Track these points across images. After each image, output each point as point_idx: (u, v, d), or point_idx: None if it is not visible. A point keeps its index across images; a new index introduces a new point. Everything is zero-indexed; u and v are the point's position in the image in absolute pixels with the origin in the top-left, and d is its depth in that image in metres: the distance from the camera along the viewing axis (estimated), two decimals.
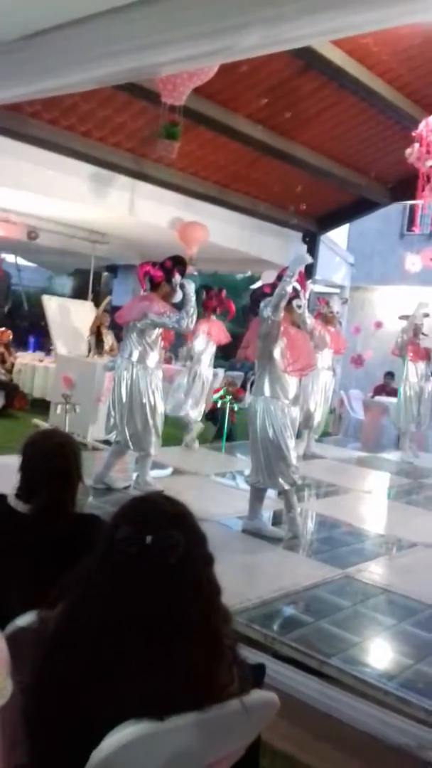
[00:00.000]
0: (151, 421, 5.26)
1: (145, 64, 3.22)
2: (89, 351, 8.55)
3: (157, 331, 5.27)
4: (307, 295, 4.99)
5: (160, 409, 5.36)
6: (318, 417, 7.38)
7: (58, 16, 3.18)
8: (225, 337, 7.55)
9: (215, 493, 6.05)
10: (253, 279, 13.77)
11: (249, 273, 12.03)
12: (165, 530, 1.33)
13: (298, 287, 4.55)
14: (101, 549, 1.39)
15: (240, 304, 17.64)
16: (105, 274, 12.52)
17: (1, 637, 1.74)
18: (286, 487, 4.56)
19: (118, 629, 1.29)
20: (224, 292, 7.54)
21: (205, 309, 7.29)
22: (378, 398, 9.96)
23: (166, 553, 1.31)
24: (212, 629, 1.35)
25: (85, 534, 1.87)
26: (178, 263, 5.28)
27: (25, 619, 1.74)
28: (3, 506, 2.07)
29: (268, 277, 8.84)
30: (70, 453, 2.13)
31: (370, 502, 6.33)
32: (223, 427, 8.15)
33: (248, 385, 10.48)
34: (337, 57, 5.63)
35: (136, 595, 1.30)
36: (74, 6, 3.07)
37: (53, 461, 2.08)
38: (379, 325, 9.55)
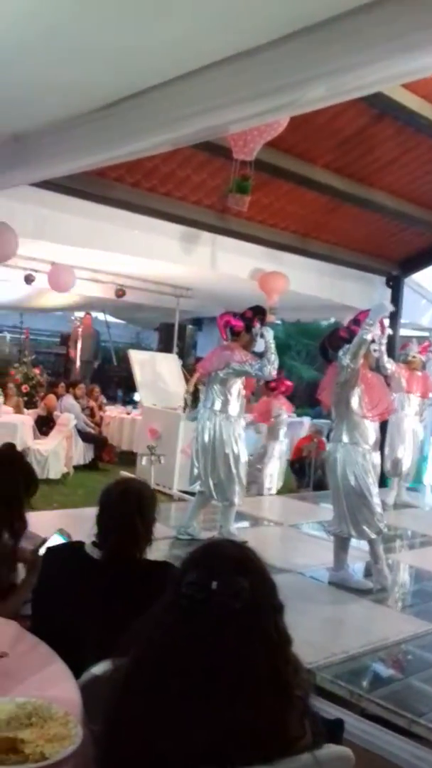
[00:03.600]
0: (234, 471, 5.25)
1: (215, 124, 3.36)
2: (185, 408, 8.67)
3: (240, 380, 5.30)
4: (385, 339, 4.92)
5: (244, 458, 5.35)
6: (407, 464, 7.14)
7: (133, 86, 3.40)
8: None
9: (299, 543, 5.93)
10: (337, 325, 13.67)
11: (333, 319, 11.93)
12: (230, 576, 1.32)
13: (378, 330, 4.49)
14: (170, 594, 1.39)
15: None
16: (189, 327, 12.80)
17: (74, 685, 1.77)
18: (372, 536, 4.42)
19: (186, 676, 1.27)
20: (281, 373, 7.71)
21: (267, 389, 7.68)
22: None
23: (231, 598, 1.30)
24: (281, 679, 1.30)
25: (158, 580, 1.94)
26: (257, 312, 5.35)
27: (100, 668, 1.77)
28: (80, 553, 2.13)
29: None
30: (135, 501, 2.17)
31: None
32: (309, 476, 8.03)
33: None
34: (412, 101, 5.63)
35: (202, 642, 1.28)
36: (146, 76, 3.27)
37: (118, 509, 2.15)
38: None
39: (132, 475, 7.97)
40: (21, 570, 2.71)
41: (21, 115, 3.94)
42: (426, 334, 10.23)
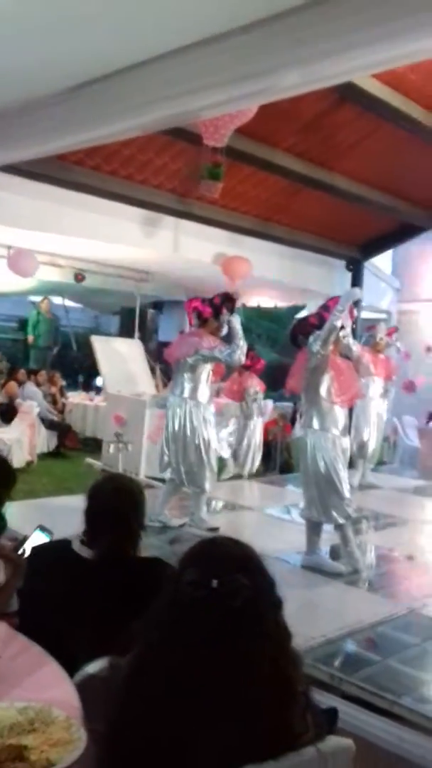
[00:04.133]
0: (205, 457, 5.26)
1: (187, 109, 3.29)
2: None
3: (208, 366, 5.29)
4: (353, 323, 4.97)
5: (214, 444, 5.36)
6: (372, 446, 7.27)
7: (101, 67, 3.27)
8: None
9: (270, 528, 5.98)
10: (297, 309, 13.75)
11: (293, 303, 12.00)
12: (231, 574, 1.32)
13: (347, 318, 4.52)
14: (169, 593, 1.38)
15: (284, 335, 17.71)
16: (151, 311, 12.68)
17: (71, 686, 1.75)
18: (341, 521, 4.48)
19: (189, 676, 1.27)
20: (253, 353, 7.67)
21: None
22: None
23: (232, 597, 1.30)
24: (283, 675, 1.31)
25: (150, 578, 1.89)
26: (226, 300, 5.33)
27: (95, 666, 1.76)
28: (68, 552, 2.09)
29: (314, 306, 8.85)
30: (128, 498, 2.15)
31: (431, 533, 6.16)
32: (275, 459, 8.11)
33: (298, 416, 10.45)
34: (373, 87, 5.65)
35: (204, 641, 1.28)
36: (115, 57, 3.17)
37: (110, 506, 2.11)
38: (429, 349, 9.42)
39: (98, 462, 7.93)
40: (1, 568, 2.67)
41: None
42: (384, 316, 10.39)
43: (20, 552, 2.36)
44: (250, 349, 7.32)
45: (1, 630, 2.00)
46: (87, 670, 1.76)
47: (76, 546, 2.09)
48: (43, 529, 2.41)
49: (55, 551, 2.16)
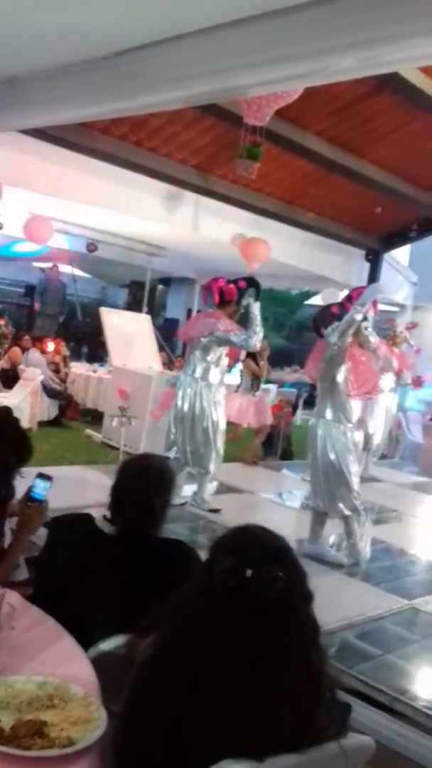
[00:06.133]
0: (212, 439, 5.22)
1: (235, 84, 3.18)
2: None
3: (222, 348, 5.24)
4: (375, 315, 4.92)
5: (222, 426, 5.32)
6: (377, 439, 7.25)
7: (148, 35, 3.17)
8: None
9: (270, 513, 5.97)
10: (307, 295, 13.68)
11: (305, 288, 11.91)
12: (266, 564, 1.31)
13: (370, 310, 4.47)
14: (200, 579, 1.37)
15: (292, 320, 17.62)
16: (159, 286, 12.62)
17: (87, 662, 1.73)
18: (347, 513, 4.46)
19: (217, 663, 1.27)
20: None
21: None
22: None
23: (266, 587, 1.29)
24: (313, 668, 1.32)
25: (171, 559, 1.96)
26: (252, 284, 5.26)
27: (110, 644, 1.76)
28: (90, 526, 2.09)
29: (329, 296, 8.77)
30: (152, 477, 2.13)
31: (430, 530, 6.15)
32: (276, 445, 8.09)
33: (300, 403, 10.40)
34: (413, 76, 5.54)
35: (235, 629, 1.27)
36: (162, 26, 3.06)
37: (133, 484, 2.11)
38: None
39: (98, 435, 7.90)
40: (8, 535, 2.62)
41: (18, 58, 3.69)
42: (398, 309, 10.34)
43: (26, 505, 2.30)
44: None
45: (13, 600, 1.95)
46: (101, 647, 1.76)
47: (99, 521, 2.09)
48: (42, 476, 2.30)
49: (77, 523, 2.15)
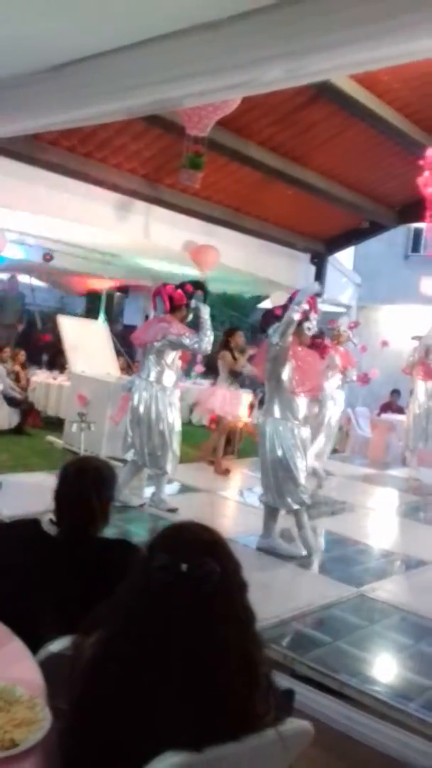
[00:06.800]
0: (168, 440, 5.38)
1: (171, 96, 3.27)
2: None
3: (175, 351, 5.41)
4: (317, 316, 5.13)
5: (178, 428, 5.48)
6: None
7: (85, 49, 3.24)
8: None
9: (227, 510, 6.17)
10: (259, 298, 13.93)
11: (257, 293, 12.15)
12: (200, 558, 1.35)
13: (308, 308, 4.68)
14: (137, 577, 1.41)
15: (247, 323, 17.88)
16: (117, 294, 12.71)
17: (34, 664, 1.73)
18: (295, 507, 4.65)
19: (156, 658, 1.30)
20: None
21: None
22: (384, 416, 10.10)
23: (201, 581, 1.32)
24: (249, 657, 1.35)
25: (115, 559, 1.95)
26: (198, 287, 5.44)
27: (58, 645, 1.78)
28: (36, 530, 2.11)
29: (278, 299, 9.01)
30: (91, 478, 2.15)
31: (380, 520, 6.41)
32: (234, 444, 8.26)
33: (257, 403, 10.58)
34: (348, 85, 5.82)
35: (173, 624, 1.31)
36: (102, 39, 3.13)
37: (73, 486, 2.13)
38: (385, 343, 9.71)
39: (59, 441, 7.99)
40: None
41: None
42: (344, 310, 10.62)
43: None
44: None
45: None
46: (50, 649, 1.77)
47: (46, 525, 2.10)
48: None
49: (23, 528, 2.15)
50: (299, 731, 1.43)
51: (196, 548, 1.37)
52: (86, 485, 2.12)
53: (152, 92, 3.29)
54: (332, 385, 6.95)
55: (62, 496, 2.12)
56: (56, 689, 1.53)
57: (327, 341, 6.61)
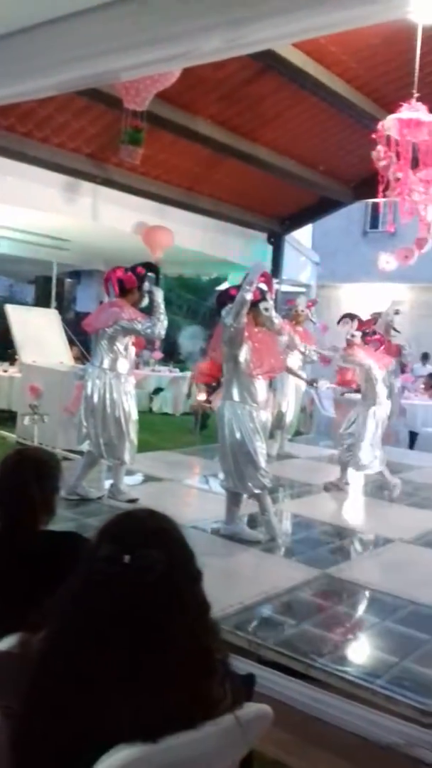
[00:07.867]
0: (125, 429, 5.21)
1: (105, 69, 3.15)
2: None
3: (128, 337, 5.22)
4: (273, 296, 5.00)
5: (134, 416, 5.32)
6: (290, 417, 7.41)
7: (12, 22, 3.09)
8: None
9: (190, 498, 6.04)
10: (218, 281, 13.78)
11: (215, 275, 11.99)
12: (144, 549, 1.30)
13: (265, 288, 4.54)
14: (83, 569, 1.36)
15: (205, 306, 17.77)
16: (68, 280, 12.39)
17: None
18: (256, 491, 4.55)
19: (105, 652, 1.26)
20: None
21: None
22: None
23: (144, 572, 1.28)
24: (202, 646, 1.32)
25: (62, 552, 1.86)
26: (150, 270, 5.24)
27: (6, 643, 1.68)
28: None
29: (236, 279, 8.87)
30: (31, 469, 2.07)
31: (345, 500, 6.35)
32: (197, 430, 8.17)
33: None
34: (297, 58, 5.64)
35: (119, 617, 1.27)
36: (29, 12, 2.99)
37: (11, 478, 2.06)
38: (325, 328, 9.64)
39: (11, 435, 7.74)
40: None
41: None
42: (303, 289, 10.55)
43: None
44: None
45: None
46: None
47: None
48: None
49: None
50: (258, 714, 1.42)
51: (141, 538, 1.33)
52: (25, 476, 2.04)
53: (86, 66, 3.15)
54: (293, 364, 6.86)
55: (1, 488, 2.04)
56: (6, 688, 1.47)
57: (284, 322, 6.50)
